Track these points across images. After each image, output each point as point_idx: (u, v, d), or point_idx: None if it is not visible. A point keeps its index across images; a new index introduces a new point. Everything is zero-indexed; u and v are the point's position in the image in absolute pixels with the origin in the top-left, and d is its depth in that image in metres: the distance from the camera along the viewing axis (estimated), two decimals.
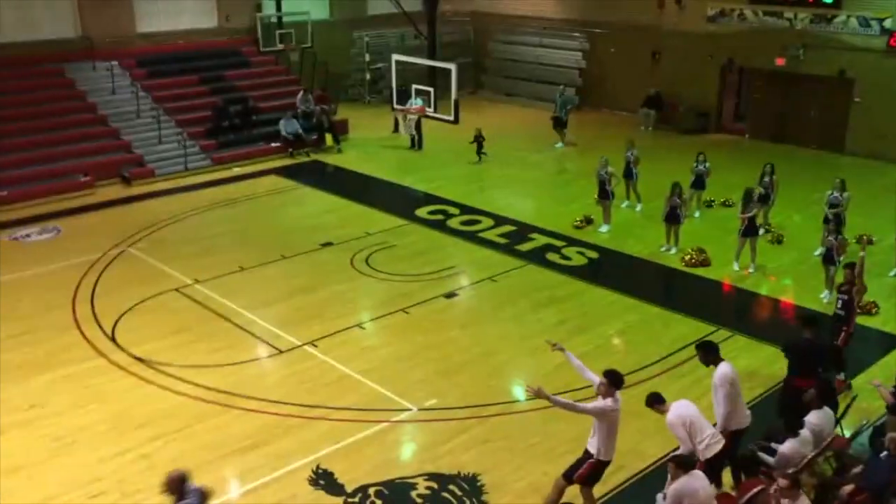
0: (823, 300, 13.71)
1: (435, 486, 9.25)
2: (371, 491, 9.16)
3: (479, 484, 9.27)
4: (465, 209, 18.62)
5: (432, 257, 15.97)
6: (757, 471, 8.35)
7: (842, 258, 13.45)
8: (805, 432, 8.47)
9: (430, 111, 23.18)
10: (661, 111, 25.94)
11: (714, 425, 8.47)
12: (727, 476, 8.77)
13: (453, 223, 17.79)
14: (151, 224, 17.75)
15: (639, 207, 18.30)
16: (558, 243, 16.58)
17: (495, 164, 22.32)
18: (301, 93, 24.61)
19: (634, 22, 26.63)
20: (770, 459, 8.36)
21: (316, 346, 12.44)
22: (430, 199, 19.45)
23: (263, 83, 25.52)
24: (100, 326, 13.02)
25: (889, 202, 18.29)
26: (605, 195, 17.16)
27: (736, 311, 14.22)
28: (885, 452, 7.98)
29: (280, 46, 26.68)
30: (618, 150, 18.82)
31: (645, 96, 26.14)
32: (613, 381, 8.17)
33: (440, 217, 18.15)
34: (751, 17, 24.25)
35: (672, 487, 7.45)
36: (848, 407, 9.78)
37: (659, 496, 7.80)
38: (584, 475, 8.29)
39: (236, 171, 21.75)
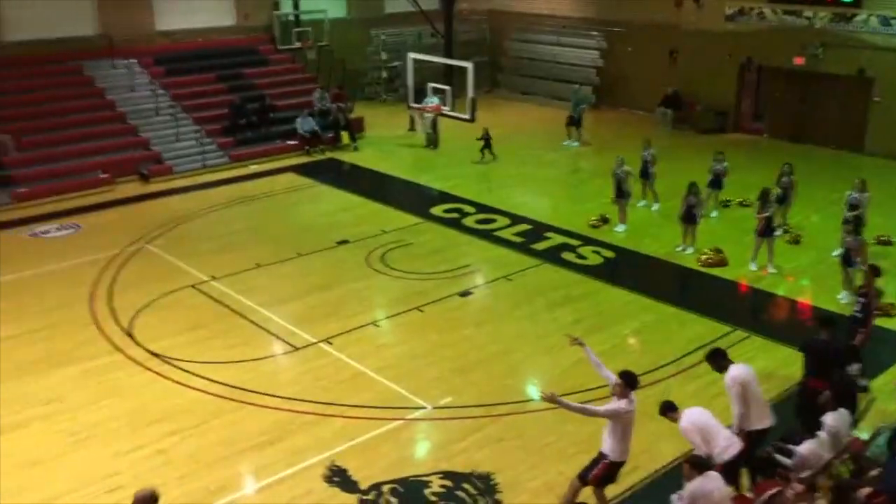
0: (841, 301, 13.59)
1: (449, 484, 9.26)
2: (385, 488, 9.18)
3: (493, 482, 9.27)
4: (480, 208, 18.61)
5: (447, 256, 15.98)
6: (773, 472, 8.30)
7: (860, 259, 13.34)
8: (823, 434, 8.41)
9: (446, 110, 23.18)
10: (678, 110, 25.80)
11: (730, 427, 8.43)
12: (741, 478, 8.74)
13: (469, 222, 17.79)
14: (169, 221, 17.87)
15: (656, 207, 18.23)
16: (574, 242, 16.54)
17: (511, 162, 22.29)
18: (318, 91, 24.70)
19: (652, 20, 26.51)
20: (787, 461, 8.30)
21: (331, 343, 12.48)
22: (445, 197, 19.45)
23: (280, 81, 25.62)
24: (117, 322, 13.12)
25: None
26: (621, 194, 17.11)
27: (752, 311, 14.13)
28: None
29: (297, 44, 26.78)
30: (634, 149, 18.75)
31: (662, 95, 26.02)
32: (628, 381, 8.15)
33: (455, 215, 18.15)
34: (770, 16, 24.08)
35: (687, 489, 7.42)
36: (866, 409, 9.70)
37: (674, 497, 7.77)
38: (598, 476, 8.28)
39: (253, 168, 21.86)
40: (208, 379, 11.43)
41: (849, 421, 8.89)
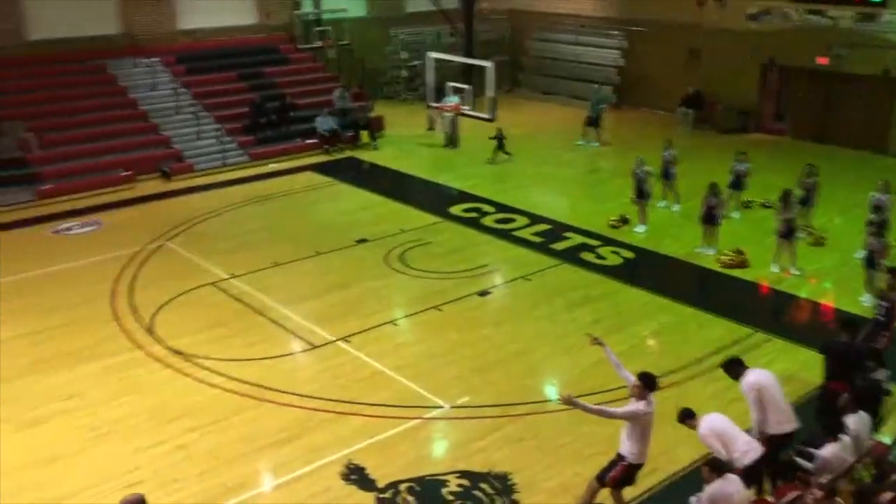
0: (864, 304, 13.44)
1: (466, 483, 9.25)
2: (403, 487, 9.19)
3: (510, 483, 9.25)
4: (499, 207, 18.58)
5: (466, 255, 15.97)
6: (794, 476, 8.23)
7: (884, 262, 13.18)
8: (845, 437, 8.32)
9: (466, 109, 23.18)
10: (700, 110, 25.63)
11: (749, 431, 8.36)
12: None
13: (488, 221, 17.77)
14: (189, 219, 17.99)
15: (676, 207, 18.11)
16: (593, 242, 16.48)
17: (530, 162, 22.24)
18: (338, 89, 24.76)
19: (674, 20, 26.35)
20: (808, 465, 8.22)
21: (350, 341, 12.51)
22: (464, 196, 19.44)
23: (301, 80, 25.72)
24: (138, 319, 13.23)
25: None
26: (641, 195, 17.02)
27: (773, 313, 14.01)
28: None
29: (318, 43, 26.87)
30: (655, 149, 18.65)
31: (684, 95, 25.85)
32: (647, 383, 8.11)
33: (475, 215, 18.14)
34: (793, 16, 23.85)
35: (706, 491, 7.37)
36: (888, 412, 9.59)
37: (693, 500, 7.72)
38: (616, 478, 8.24)
39: (273, 167, 21.95)
40: (228, 376, 11.50)
41: (869, 424, 8.79)
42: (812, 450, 8.34)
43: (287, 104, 24.32)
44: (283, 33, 26.89)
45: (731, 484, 7.33)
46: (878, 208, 14.91)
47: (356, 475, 9.43)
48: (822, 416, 9.45)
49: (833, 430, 8.42)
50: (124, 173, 20.39)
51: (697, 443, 8.46)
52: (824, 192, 16.91)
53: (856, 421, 8.54)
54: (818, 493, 7.12)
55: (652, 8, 27.11)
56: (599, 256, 15.83)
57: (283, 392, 11.10)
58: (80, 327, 12.95)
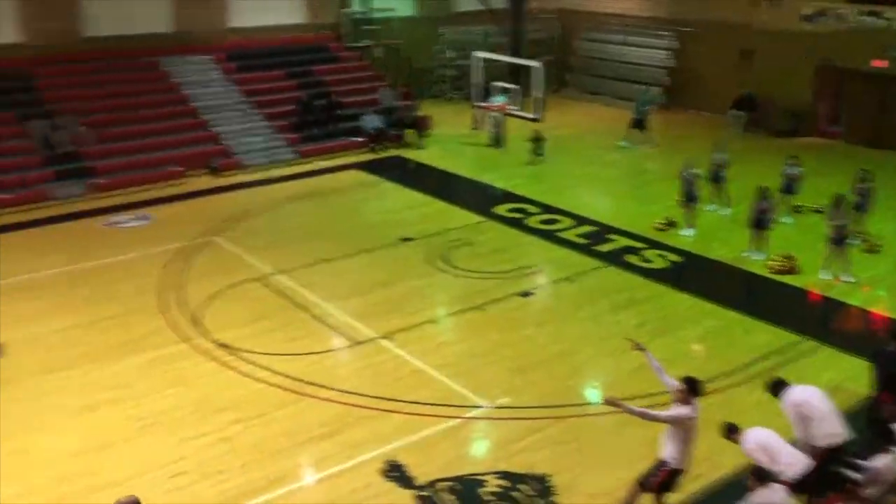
0: None
1: (506, 484, 9.23)
2: (442, 486, 9.21)
3: (549, 485, 9.20)
4: (544, 208, 18.49)
5: (510, 255, 15.93)
6: (843, 488, 8.05)
7: None
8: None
9: (512, 109, 23.11)
10: (752, 112, 25.17)
11: (795, 443, 8.22)
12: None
13: (532, 221, 17.70)
14: (237, 214, 18.25)
15: (727, 211, 17.81)
16: (638, 245, 16.31)
17: (576, 162, 22.10)
18: (385, 88, 24.89)
19: (726, 20, 25.94)
20: (857, 476, 8.04)
21: (392, 339, 12.56)
22: (509, 196, 19.40)
23: (348, 78, 25.90)
24: (185, 312, 13.46)
25: None
26: (689, 198, 16.80)
27: (822, 321, 13.71)
28: None
29: (365, 42, 27.04)
30: (704, 151, 18.38)
31: (735, 97, 25.42)
32: (692, 388, 8.01)
33: (519, 215, 18.08)
34: (848, 17, 23.30)
35: (751, 501, 7.26)
36: None
37: None
38: (659, 483, 8.15)
39: (319, 164, 22.15)
40: (271, 370, 11.63)
41: None
42: (861, 461, 8.15)
43: (334, 102, 24.52)
44: (332, 32, 27.12)
45: (776, 493, 7.20)
46: None
47: (396, 472, 9.47)
48: (871, 426, 9.23)
49: (882, 441, 8.22)
50: (175, 169, 20.77)
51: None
52: (879, 198, 16.50)
53: None
54: None
55: (703, 8, 26.73)
56: (645, 259, 15.66)
57: (325, 388, 11.19)
58: (128, 319, 13.22)
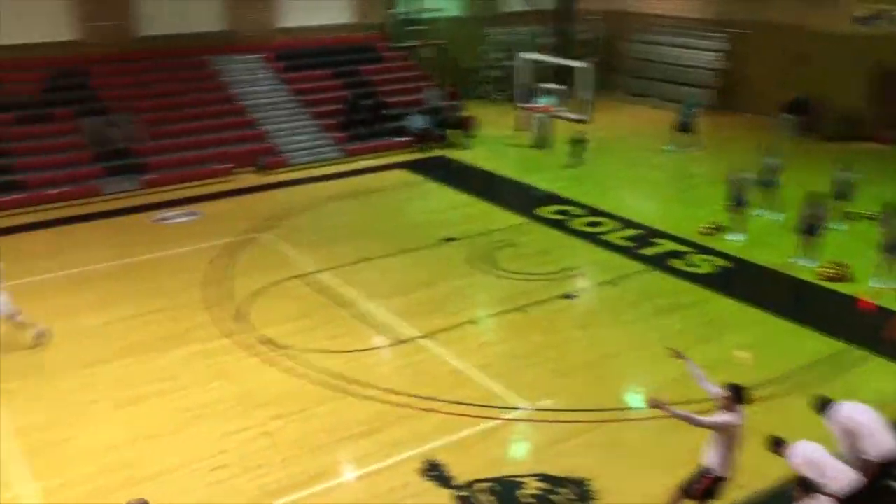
0: None
1: (545, 487, 9.17)
2: (480, 486, 9.18)
3: (589, 489, 9.12)
4: (588, 210, 18.35)
5: (553, 257, 15.83)
6: (894, 502, 7.84)
7: None
8: None
9: (558, 110, 22.97)
10: (804, 116, 24.64)
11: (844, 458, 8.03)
12: None
13: (575, 223, 17.57)
14: (282, 212, 18.45)
15: (778, 217, 17.45)
16: (684, 249, 16.08)
17: (622, 165, 21.90)
18: (430, 88, 24.94)
19: (778, 22, 25.45)
20: None
21: (433, 339, 12.57)
22: (552, 198, 19.28)
23: (394, 78, 26.02)
24: (229, 308, 13.64)
25: None
26: (738, 202, 16.51)
27: (873, 330, 13.34)
28: None
29: (412, 43, 27.13)
30: (755, 155, 18.04)
31: (787, 100, 24.92)
32: (737, 395, 7.86)
33: (563, 217, 17.96)
34: None
35: None
36: None
37: None
38: (702, 490, 8.01)
39: (365, 163, 22.28)
40: (312, 367, 11.72)
41: None
42: None
43: (380, 102, 24.65)
44: (379, 32, 27.27)
45: None
46: None
47: (434, 472, 9.47)
48: None
49: None
50: (223, 166, 21.07)
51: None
52: None
53: None
54: None
55: (755, 9, 26.26)
56: (690, 263, 15.43)
57: (366, 385, 11.24)
58: (175, 313, 13.44)
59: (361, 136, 23.46)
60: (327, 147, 22.83)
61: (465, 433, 10.18)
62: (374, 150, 23.07)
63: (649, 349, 12.22)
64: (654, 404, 7.81)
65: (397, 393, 11.06)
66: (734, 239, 16.46)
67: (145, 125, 21.31)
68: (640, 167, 21.77)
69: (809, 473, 7.68)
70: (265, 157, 21.84)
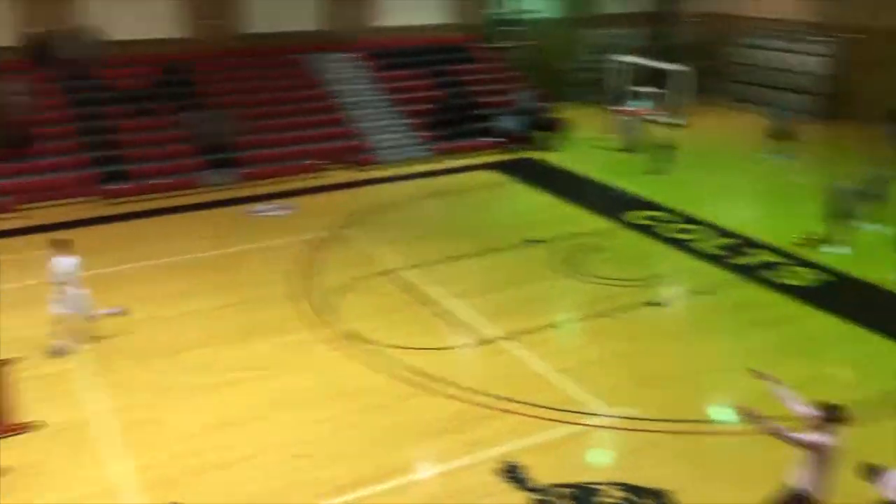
0: None
1: (623, 496, 9.01)
2: (558, 491, 9.09)
3: (669, 501, 8.91)
4: (678, 216, 17.94)
5: (639, 263, 15.55)
6: None
7: None
8: None
9: (654, 114, 22.56)
10: None
11: None
12: None
13: (665, 229, 17.20)
14: (371, 209, 18.73)
15: (884, 230, 16.61)
16: (779, 260, 15.54)
17: (717, 171, 21.32)
18: (522, 89, 24.85)
19: (892, 27, 24.27)
20: None
21: (514, 340, 12.53)
22: (641, 203, 18.94)
23: (486, 79, 26.06)
24: (316, 300, 13.92)
25: None
26: (839, 214, 15.83)
27: None
28: None
29: (506, 43, 27.10)
30: (860, 165, 17.27)
31: (892, 110, 23.71)
32: (832, 415, 7.51)
33: (652, 222, 17.62)
34: None
35: None
36: None
37: None
38: None
39: (453, 163, 22.38)
40: (394, 362, 11.85)
41: None
42: None
43: (471, 102, 24.72)
44: (473, 33, 27.35)
45: None
46: None
47: (512, 473, 9.43)
48: None
49: None
50: (316, 162, 21.53)
51: None
52: None
53: None
54: None
55: (867, 13, 25.10)
56: (785, 275, 14.89)
57: (446, 383, 11.29)
58: (265, 303, 13.81)
59: (451, 135, 23.58)
60: (417, 146, 23.05)
61: (544, 436, 10.11)
62: (464, 150, 23.16)
63: (739, 362, 11.81)
64: (745, 413, 7.53)
65: (478, 392, 11.07)
66: (833, 251, 15.80)
67: (243, 120, 21.97)
68: (735, 174, 21.15)
69: None
70: (357, 154, 22.20)
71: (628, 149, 23.10)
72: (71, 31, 21.98)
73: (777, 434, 7.65)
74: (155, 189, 19.69)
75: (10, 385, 10.93)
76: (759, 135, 23.84)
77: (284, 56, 24.46)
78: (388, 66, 25.37)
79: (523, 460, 9.63)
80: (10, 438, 10.03)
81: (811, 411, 7.67)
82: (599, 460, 9.91)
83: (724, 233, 16.94)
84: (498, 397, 10.94)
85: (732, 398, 11.02)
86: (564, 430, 10.29)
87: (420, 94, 24.75)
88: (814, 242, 16.11)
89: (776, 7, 28.37)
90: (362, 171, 21.71)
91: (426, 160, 22.63)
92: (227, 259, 15.83)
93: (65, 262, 11.85)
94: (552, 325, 13.15)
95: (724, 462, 9.63)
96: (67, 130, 20.64)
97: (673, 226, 17.43)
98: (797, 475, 7.69)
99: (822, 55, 26.73)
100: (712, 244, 16.37)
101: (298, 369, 11.73)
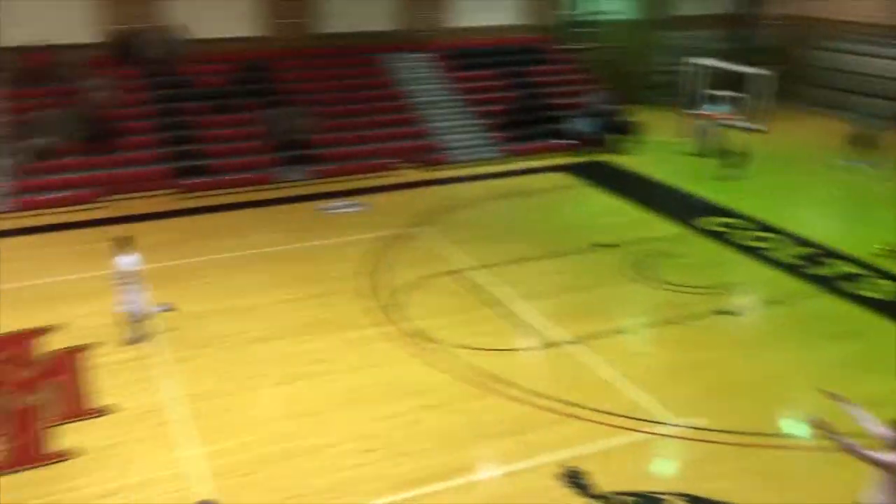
0: None
1: None
2: (619, 499, 9.00)
3: None
4: (754, 223, 17.52)
5: (712, 271, 15.24)
6: None
7: None
8: None
9: (732, 119, 22.07)
10: None
11: None
12: None
13: (739, 237, 16.82)
14: (441, 208, 18.83)
15: None
16: (860, 272, 15.03)
17: (794, 178, 20.74)
18: (595, 91, 24.61)
19: None
20: None
21: (581, 344, 12.44)
22: (715, 209, 18.55)
23: (559, 80, 25.90)
24: (384, 297, 14.07)
25: None
26: None
27: None
28: None
29: (580, 45, 26.89)
30: None
31: None
32: None
33: (726, 229, 17.25)
34: None
35: None
36: None
37: None
38: None
39: (525, 164, 22.32)
40: (460, 362, 11.90)
41: None
42: None
43: (543, 104, 24.61)
44: (546, 34, 27.22)
45: None
46: None
47: (574, 479, 9.37)
48: None
49: None
50: (387, 160, 21.75)
51: None
52: None
53: None
54: None
55: None
56: (865, 287, 14.40)
57: (511, 385, 11.29)
58: (332, 299, 14.02)
59: (522, 137, 23.52)
60: (488, 146, 23.07)
61: (608, 443, 10.02)
62: (535, 152, 23.07)
63: (814, 375, 11.51)
64: (818, 426, 7.29)
65: (542, 396, 11.03)
66: None
67: (319, 118, 22.33)
68: (815, 181, 20.53)
69: None
70: (428, 153, 22.34)
71: (703, 153, 22.64)
72: (155, 29, 22.72)
73: (851, 451, 7.39)
74: (231, 184, 20.19)
75: (86, 370, 11.39)
76: (840, 141, 23.09)
77: (360, 55, 24.79)
78: (462, 66, 25.45)
79: (586, 466, 9.56)
80: (87, 421, 10.44)
81: (887, 432, 7.39)
82: (664, 470, 9.77)
83: (802, 242, 16.47)
84: (562, 401, 10.89)
85: (804, 412, 10.74)
86: (629, 437, 10.18)
87: (492, 95, 24.76)
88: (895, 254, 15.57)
89: (860, 10, 27.36)
90: (433, 170, 21.83)
91: (496, 161, 22.63)
92: (298, 254, 16.14)
93: (126, 261, 12.09)
94: (620, 331, 13.00)
95: (793, 478, 9.39)
96: (149, 125, 21.35)
97: (748, 233, 17.04)
98: (871, 495, 7.44)
99: None
100: (788, 253, 15.94)
101: (365, 365, 11.89)
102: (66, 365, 11.72)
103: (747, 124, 21.60)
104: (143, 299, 12.33)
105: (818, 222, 17.89)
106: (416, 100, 24.07)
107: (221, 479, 9.37)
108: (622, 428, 10.33)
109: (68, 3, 21.95)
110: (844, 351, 12.26)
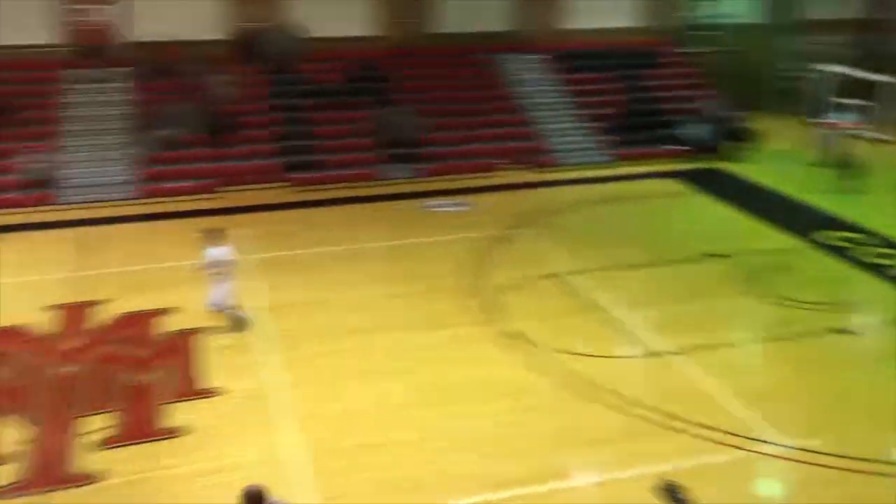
0: None
1: None
2: None
3: None
4: (878, 239, 16.54)
5: (830, 287, 14.49)
6: None
7: None
8: None
9: (860, 128, 20.93)
10: None
11: None
12: None
13: (861, 252, 15.91)
14: (546, 210, 18.66)
15: None
16: None
17: None
18: (712, 97, 23.85)
19: None
20: None
21: (686, 356, 12.04)
22: (837, 223, 17.61)
23: (674, 85, 25.26)
24: (484, 297, 14.03)
25: None
26: None
27: None
28: None
29: (698, 49, 26.13)
30: None
31: None
32: None
33: (847, 244, 16.35)
34: None
35: None
36: None
37: None
38: None
39: (634, 169, 21.86)
40: (558, 366, 11.73)
41: None
42: None
43: (656, 108, 24.02)
44: (663, 37, 26.56)
45: None
46: None
47: (672, 493, 9.04)
48: None
49: None
50: (495, 161, 21.73)
51: None
52: None
53: None
54: None
55: None
56: None
57: (610, 393, 11.04)
58: (434, 296, 14.09)
59: (633, 141, 23.03)
60: (596, 150, 22.71)
61: (709, 459, 9.65)
62: (645, 157, 22.56)
63: None
64: None
65: (642, 406, 10.74)
66: None
67: (429, 117, 22.53)
68: None
69: None
70: (536, 155, 22.18)
71: (826, 164, 21.55)
72: (276, 27, 23.48)
73: None
74: (338, 179, 20.64)
75: (198, 352, 11.84)
76: None
77: (472, 55, 24.87)
78: (574, 68, 25.15)
79: (684, 480, 9.22)
80: (196, 401, 10.86)
81: None
82: (766, 491, 9.36)
83: None
84: (662, 413, 10.56)
85: None
86: (731, 454, 9.77)
87: (603, 98, 24.36)
88: None
89: None
90: (539, 172, 21.66)
91: (605, 165, 22.24)
92: (400, 251, 16.32)
93: (216, 252, 12.25)
94: (727, 345, 12.51)
95: None
96: (266, 120, 22.07)
97: (871, 249, 16.10)
98: None
99: None
100: None
101: (463, 363, 11.88)
102: (180, 346, 12.24)
103: (875, 134, 20.42)
104: (231, 292, 12.38)
105: None
106: (527, 101, 23.96)
107: (317, 464, 9.55)
108: (724, 444, 9.93)
109: (198, 2, 22.97)
110: None
